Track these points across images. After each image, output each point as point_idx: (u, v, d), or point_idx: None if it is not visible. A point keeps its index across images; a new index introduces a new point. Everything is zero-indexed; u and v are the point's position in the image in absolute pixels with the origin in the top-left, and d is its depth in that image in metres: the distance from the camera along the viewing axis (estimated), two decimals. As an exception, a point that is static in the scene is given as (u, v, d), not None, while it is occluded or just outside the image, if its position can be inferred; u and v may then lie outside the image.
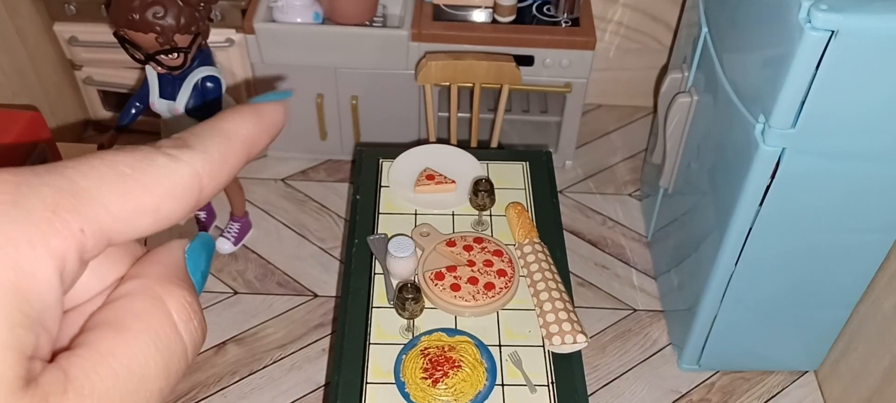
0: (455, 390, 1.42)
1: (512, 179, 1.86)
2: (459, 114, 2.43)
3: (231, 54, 2.54)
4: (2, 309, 0.22)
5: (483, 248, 1.64)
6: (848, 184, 1.68)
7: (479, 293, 1.56)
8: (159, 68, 1.97)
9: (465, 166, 1.85)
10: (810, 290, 1.95)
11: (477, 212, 1.74)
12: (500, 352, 1.52)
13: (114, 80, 2.71)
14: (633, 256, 2.58)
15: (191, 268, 0.29)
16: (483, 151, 1.96)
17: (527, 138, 2.83)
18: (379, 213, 1.77)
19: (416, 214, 1.77)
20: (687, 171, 2.13)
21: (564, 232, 2.07)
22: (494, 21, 2.48)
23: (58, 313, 0.24)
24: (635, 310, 2.43)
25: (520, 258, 1.66)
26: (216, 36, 2.45)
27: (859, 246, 1.84)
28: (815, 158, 1.62)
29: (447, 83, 2.24)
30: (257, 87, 2.58)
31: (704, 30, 1.99)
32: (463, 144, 2.02)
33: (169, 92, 2.05)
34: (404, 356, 1.48)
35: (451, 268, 1.60)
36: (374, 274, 1.65)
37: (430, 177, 1.80)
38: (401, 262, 1.58)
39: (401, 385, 1.44)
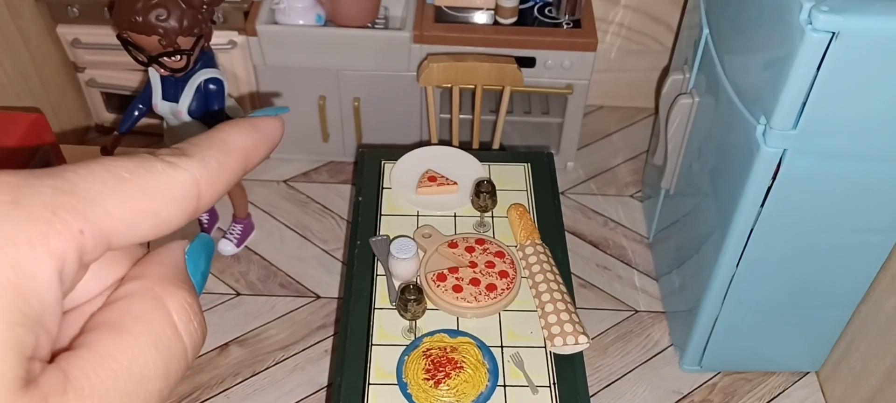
0: (457, 391, 1.42)
1: (513, 180, 1.87)
2: (461, 116, 2.44)
3: (233, 56, 2.55)
4: (1, 309, 0.22)
5: (485, 250, 1.64)
6: (849, 185, 1.68)
7: (480, 294, 1.56)
8: (162, 70, 1.98)
9: (467, 167, 1.85)
10: (812, 291, 1.96)
11: (479, 214, 1.75)
12: (502, 353, 1.52)
13: (117, 82, 2.71)
14: (634, 257, 2.58)
15: (191, 269, 0.30)
16: (484, 153, 1.97)
17: (528, 139, 2.83)
18: (381, 215, 1.78)
19: (418, 216, 1.77)
20: (688, 173, 2.14)
21: (566, 233, 2.07)
22: (496, 23, 2.49)
23: (57, 313, 0.24)
24: (637, 311, 2.43)
25: (521, 259, 1.66)
26: (219, 38, 2.45)
27: (860, 247, 1.84)
28: (817, 159, 1.62)
29: (449, 85, 2.25)
30: (260, 87, 2.58)
31: (705, 31, 1.99)
32: (465, 146, 2.03)
33: (172, 94, 2.06)
34: (406, 357, 1.48)
35: (453, 270, 1.60)
36: (376, 275, 1.66)
37: (432, 179, 1.81)
38: (403, 264, 1.59)
39: (403, 386, 1.44)
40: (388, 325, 1.57)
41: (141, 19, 1.82)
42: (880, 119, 1.55)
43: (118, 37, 1.94)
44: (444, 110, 2.62)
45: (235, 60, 2.56)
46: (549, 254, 1.67)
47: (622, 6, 2.80)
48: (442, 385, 1.42)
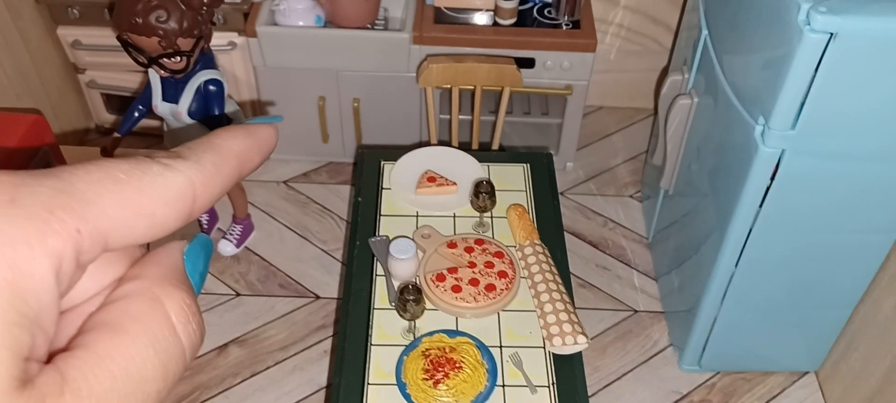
0: (456, 391, 1.43)
1: (513, 181, 1.87)
2: (460, 117, 2.44)
3: (233, 57, 2.55)
4: None
5: (484, 250, 1.64)
6: (848, 185, 1.68)
7: (480, 294, 1.56)
8: (162, 72, 1.98)
9: (466, 168, 1.86)
10: (811, 291, 1.96)
11: (478, 214, 1.75)
12: (501, 353, 1.52)
13: (117, 84, 2.72)
14: (633, 257, 2.58)
15: (189, 270, 0.30)
16: (484, 153, 1.97)
17: (528, 140, 2.84)
18: (380, 215, 1.78)
19: (417, 216, 1.78)
20: (687, 173, 2.14)
21: (565, 233, 2.07)
22: (495, 24, 2.49)
23: (54, 313, 0.24)
24: (636, 311, 2.44)
25: (521, 259, 1.67)
26: (219, 39, 2.46)
27: (859, 247, 1.84)
28: (815, 159, 1.63)
29: (448, 86, 2.25)
30: (260, 89, 2.59)
31: (704, 32, 1.99)
32: (464, 146, 2.03)
33: (171, 95, 2.06)
34: (405, 357, 1.49)
35: (453, 270, 1.60)
36: (376, 275, 1.66)
37: (432, 179, 1.81)
38: (402, 264, 1.59)
39: (402, 387, 1.45)
40: (387, 325, 1.57)
41: (141, 20, 1.83)
42: (878, 119, 1.55)
43: (118, 38, 1.94)
44: (444, 111, 2.63)
45: (235, 62, 2.56)
46: (549, 255, 1.67)
47: (621, 7, 2.81)
48: (441, 385, 1.43)
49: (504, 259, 1.63)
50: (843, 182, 1.68)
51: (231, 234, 2.52)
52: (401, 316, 1.51)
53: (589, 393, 2.12)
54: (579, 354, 1.53)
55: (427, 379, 1.43)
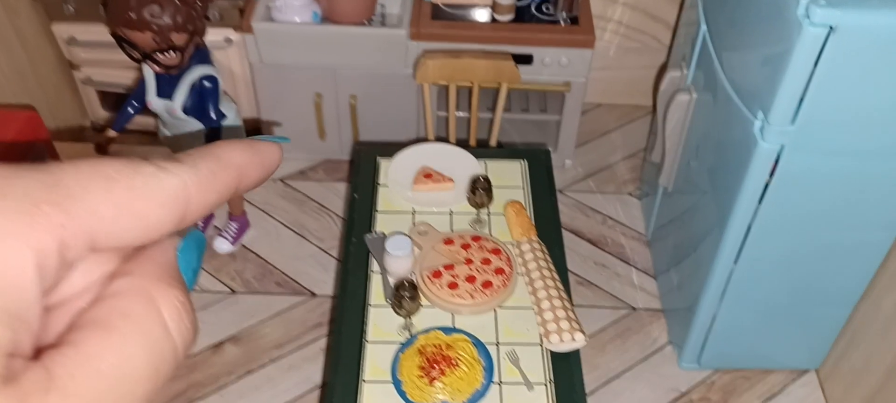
0: (452, 388, 1.41)
1: (510, 178, 1.85)
2: (458, 114, 2.42)
3: (230, 54, 2.53)
4: None
5: (481, 246, 1.63)
6: (848, 182, 1.67)
7: (476, 291, 1.55)
8: (156, 67, 1.97)
9: (463, 165, 1.84)
10: (811, 289, 1.94)
11: (475, 210, 1.73)
12: (498, 351, 1.51)
13: (113, 81, 2.70)
14: (632, 255, 2.57)
15: (182, 266, 0.29)
16: (481, 150, 1.96)
17: (526, 137, 2.82)
18: (376, 212, 1.77)
19: (413, 213, 1.76)
20: (686, 170, 2.13)
21: (564, 231, 2.06)
22: (493, 20, 2.48)
23: (38, 309, 0.23)
24: (635, 309, 2.42)
25: (518, 256, 1.65)
26: (215, 36, 2.44)
27: (860, 244, 1.83)
28: (815, 155, 1.61)
29: (445, 82, 2.23)
30: (256, 85, 2.57)
31: (703, 27, 1.98)
32: (462, 144, 2.01)
33: (166, 91, 2.05)
34: (401, 354, 1.47)
35: (449, 267, 1.59)
36: (371, 272, 1.65)
37: (428, 176, 1.80)
38: (398, 260, 1.58)
39: (397, 384, 1.43)
40: (382, 323, 1.56)
41: (134, 16, 1.81)
42: (879, 115, 1.54)
43: (112, 34, 1.93)
44: (442, 108, 2.61)
45: (232, 58, 2.55)
46: (546, 251, 1.66)
47: (620, 3, 2.79)
48: (437, 382, 1.41)
49: (501, 255, 1.61)
50: (843, 178, 1.66)
51: (227, 232, 2.50)
52: (396, 312, 1.50)
53: (587, 391, 2.11)
54: (577, 351, 1.51)
55: (423, 377, 1.42)
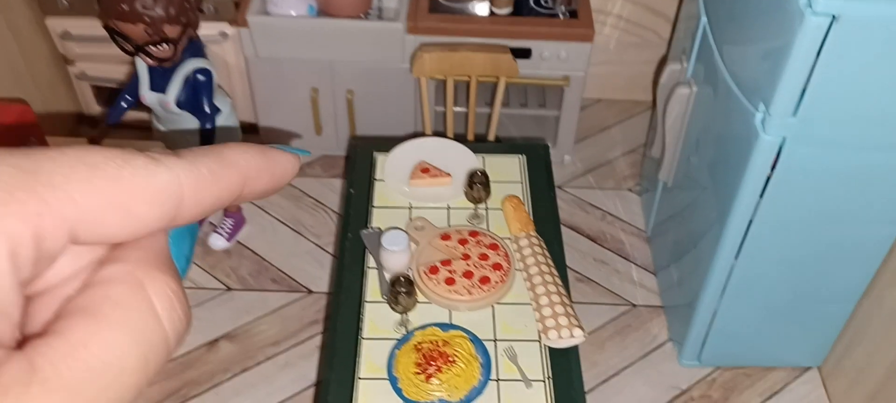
0: (449, 385, 1.39)
1: (508, 172, 1.83)
2: (456, 109, 2.40)
3: (225, 48, 2.51)
4: None
5: (478, 242, 1.60)
6: (851, 175, 1.64)
7: (474, 287, 1.53)
8: (149, 60, 1.94)
9: (461, 159, 1.82)
10: (813, 284, 1.92)
11: (472, 205, 1.71)
12: (496, 347, 1.48)
13: (107, 75, 2.68)
14: (632, 251, 2.54)
15: (174, 253, 0.27)
16: (479, 144, 1.93)
17: (525, 132, 2.79)
18: (373, 207, 1.74)
19: (410, 208, 1.74)
20: (686, 165, 2.10)
21: (563, 227, 2.03)
22: (491, 13, 2.45)
23: (14, 298, 0.22)
24: (635, 306, 2.40)
25: (516, 251, 1.63)
26: (210, 29, 2.42)
27: (863, 239, 1.80)
28: (817, 148, 1.59)
29: (443, 76, 2.21)
30: (252, 80, 2.54)
31: (703, 19, 1.95)
32: (460, 138, 1.99)
33: (159, 85, 2.02)
34: (397, 351, 1.45)
35: (446, 262, 1.56)
36: (368, 268, 1.62)
37: (425, 171, 1.77)
38: (394, 256, 1.55)
39: (394, 381, 1.41)
40: (378, 319, 1.53)
41: (126, 8, 1.79)
42: (883, 106, 1.51)
43: (104, 26, 1.90)
44: (440, 103, 2.59)
45: (227, 52, 2.52)
46: (544, 246, 1.63)
47: (620, -3, 2.77)
48: (433, 379, 1.39)
49: (499, 251, 1.59)
50: (846, 171, 1.64)
51: (222, 228, 2.48)
52: (392, 309, 1.47)
53: (586, 388, 2.09)
54: (576, 348, 1.49)
55: (419, 374, 1.39)
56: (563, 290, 1.54)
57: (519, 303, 1.56)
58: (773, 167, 1.64)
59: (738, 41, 1.75)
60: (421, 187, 1.76)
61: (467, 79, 2.25)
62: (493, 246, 1.60)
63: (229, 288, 2.39)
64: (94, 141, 2.16)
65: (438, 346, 1.43)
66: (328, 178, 2.74)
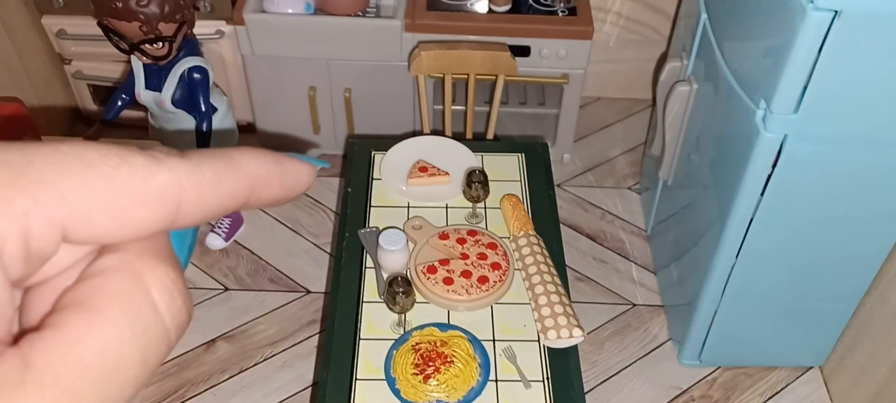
0: (447, 386, 1.37)
1: (507, 171, 1.81)
2: (455, 107, 2.38)
3: (222, 46, 2.49)
4: None
5: (477, 241, 1.59)
6: (853, 172, 1.62)
7: (472, 286, 1.51)
8: (144, 58, 1.93)
9: (459, 158, 1.80)
10: (814, 283, 1.90)
11: (471, 204, 1.69)
12: (494, 347, 1.47)
13: (103, 74, 2.66)
14: (632, 250, 2.53)
15: (176, 243, 0.26)
16: (477, 143, 1.92)
17: (524, 131, 2.78)
18: (371, 206, 1.73)
19: (408, 207, 1.72)
20: (687, 163, 2.09)
21: (563, 226, 2.02)
22: (490, 10, 2.44)
23: (4, 297, 0.21)
24: (635, 305, 2.38)
25: (515, 250, 1.61)
26: (206, 28, 2.40)
27: (865, 237, 1.79)
28: (819, 145, 1.57)
29: (441, 74, 2.19)
30: (249, 78, 2.53)
31: (704, 16, 1.94)
32: (458, 137, 1.97)
33: (155, 83, 2.01)
34: (395, 351, 1.43)
35: (444, 262, 1.55)
36: (365, 268, 1.61)
37: (423, 169, 1.76)
38: (392, 256, 1.53)
39: (391, 382, 1.39)
40: (376, 319, 1.52)
41: (121, 5, 1.77)
42: (885, 102, 1.50)
43: (99, 24, 1.88)
44: (438, 101, 2.57)
45: (224, 50, 2.51)
46: (543, 245, 1.62)
47: (619, -6, 2.75)
48: (431, 380, 1.37)
49: (497, 250, 1.57)
50: (848, 169, 1.62)
51: (219, 228, 2.46)
52: (390, 309, 1.46)
53: (586, 388, 2.07)
54: (575, 348, 1.47)
55: (417, 374, 1.38)
56: (562, 290, 1.52)
57: (518, 303, 1.54)
58: (774, 165, 1.62)
59: (739, 38, 1.73)
60: (419, 186, 1.74)
61: (466, 78, 2.23)
62: (492, 246, 1.58)
63: (227, 288, 2.38)
64: (90, 139, 2.14)
65: (436, 346, 1.42)
66: (326, 177, 2.72)
